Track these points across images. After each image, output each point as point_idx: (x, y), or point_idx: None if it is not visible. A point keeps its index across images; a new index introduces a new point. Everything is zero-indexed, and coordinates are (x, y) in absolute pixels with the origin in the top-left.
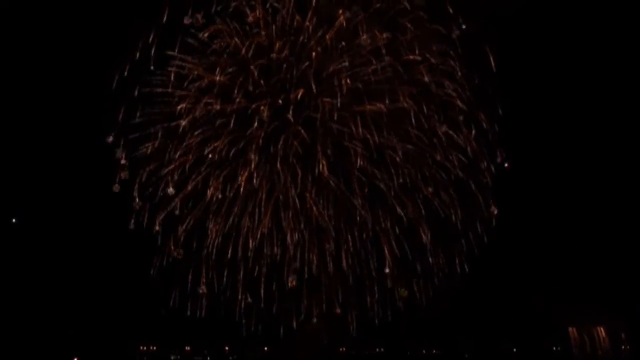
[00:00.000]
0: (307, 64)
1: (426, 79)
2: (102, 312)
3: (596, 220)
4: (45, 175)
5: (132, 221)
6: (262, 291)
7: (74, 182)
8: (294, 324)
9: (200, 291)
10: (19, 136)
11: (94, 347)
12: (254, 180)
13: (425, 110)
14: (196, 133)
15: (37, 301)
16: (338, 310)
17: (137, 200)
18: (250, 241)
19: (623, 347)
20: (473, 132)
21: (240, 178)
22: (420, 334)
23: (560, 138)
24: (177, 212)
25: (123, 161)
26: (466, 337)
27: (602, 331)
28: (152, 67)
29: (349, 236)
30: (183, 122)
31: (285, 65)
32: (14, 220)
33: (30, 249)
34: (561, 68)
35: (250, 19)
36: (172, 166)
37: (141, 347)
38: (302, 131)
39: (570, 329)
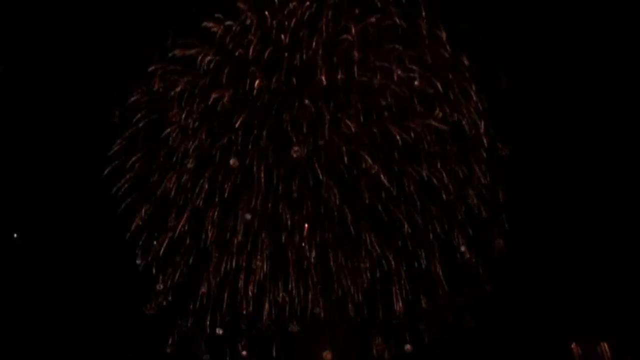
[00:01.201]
0: (314, 82)
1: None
2: (101, 327)
3: (599, 233)
4: (47, 190)
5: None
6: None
7: (75, 199)
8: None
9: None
10: (20, 156)
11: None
12: (255, 217)
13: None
14: (191, 160)
15: (37, 313)
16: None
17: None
18: (251, 283)
19: None
20: (483, 155)
21: (239, 212)
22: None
23: (563, 151)
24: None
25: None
26: (465, 353)
27: (605, 347)
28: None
29: (356, 273)
30: (179, 148)
31: (294, 80)
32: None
33: (32, 264)
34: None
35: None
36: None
37: None
38: (308, 153)
39: (573, 344)
